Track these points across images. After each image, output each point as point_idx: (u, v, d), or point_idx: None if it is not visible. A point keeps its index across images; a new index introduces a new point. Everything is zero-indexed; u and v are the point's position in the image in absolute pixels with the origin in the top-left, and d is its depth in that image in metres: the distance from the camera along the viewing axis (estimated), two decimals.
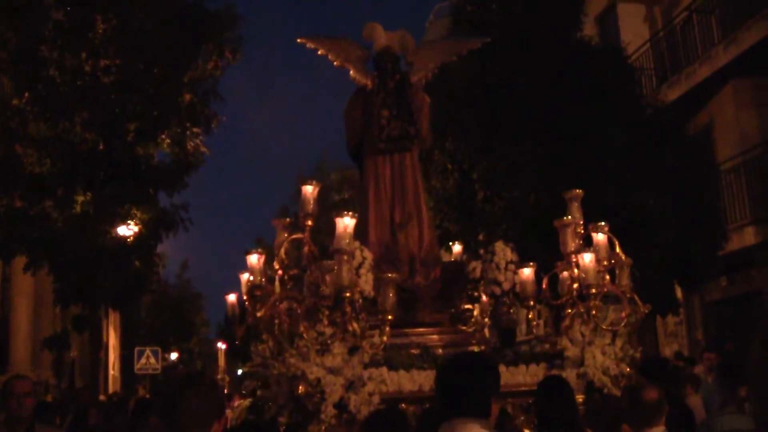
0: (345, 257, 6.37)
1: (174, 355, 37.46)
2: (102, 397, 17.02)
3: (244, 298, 7.79)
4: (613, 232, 7.40)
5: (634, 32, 16.99)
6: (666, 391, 5.90)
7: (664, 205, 12.48)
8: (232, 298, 8.20)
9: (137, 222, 15.34)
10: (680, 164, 12.96)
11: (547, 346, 7.45)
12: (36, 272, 15.10)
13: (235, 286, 8.07)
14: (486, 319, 8.24)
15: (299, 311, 7.06)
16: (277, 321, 7.06)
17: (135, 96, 13.98)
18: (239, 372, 32.28)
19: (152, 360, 22.45)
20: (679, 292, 14.94)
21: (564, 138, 12.44)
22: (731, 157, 15.64)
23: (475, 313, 8.21)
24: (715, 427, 5.03)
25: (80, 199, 14.32)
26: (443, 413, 3.37)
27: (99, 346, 26.43)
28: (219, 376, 27.86)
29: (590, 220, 7.40)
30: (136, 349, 23.45)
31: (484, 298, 7.96)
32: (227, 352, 26.70)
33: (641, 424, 4.75)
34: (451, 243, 10.19)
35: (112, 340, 30.82)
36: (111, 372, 30.46)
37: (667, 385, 6.91)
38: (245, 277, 7.80)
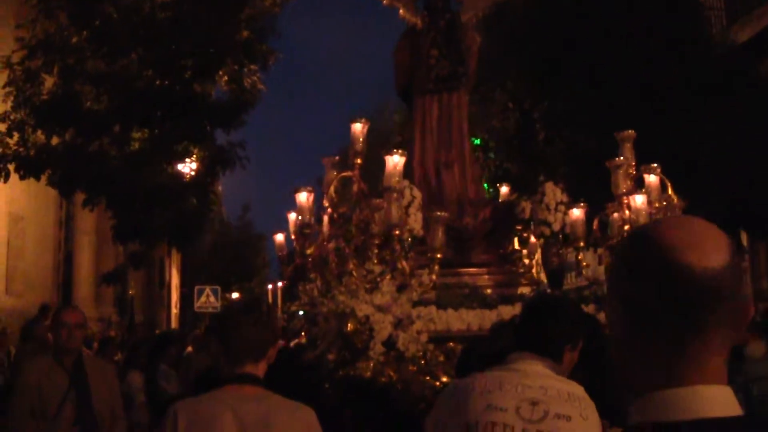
0: (395, 195, 6.40)
1: (235, 295, 38.08)
2: (157, 333, 17.54)
3: (292, 237, 7.89)
4: (671, 175, 7.27)
5: None
6: None
7: (728, 150, 12.11)
8: (279, 237, 8.26)
9: (194, 159, 15.50)
10: (748, 108, 12.53)
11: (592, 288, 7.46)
12: (94, 208, 15.39)
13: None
14: (533, 261, 8.24)
15: (347, 250, 7.14)
16: (326, 259, 7.16)
17: (192, 33, 13.98)
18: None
19: (212, 298, 22.83)
20: (744, 240, 14.58)
21: (626, 80, 12.14)
22: None
23: (524, 253, 8.23)
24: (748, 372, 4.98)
25: (137, 136, 14.47)
26: (513, 346, 3.35)
27: (157, 284, 27.11)
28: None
29: (647, 162, 7.29)
30: (196, 287, 23.85)
31: (533, 239, 7.95)
32: (283, 291, 27.05)
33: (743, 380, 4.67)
34: (498, 184, 10.13)
35: (174, 278, 31.49)
36: (173, 310, 31.22)
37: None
38: (292, 216, 7.88)
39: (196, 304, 23.08)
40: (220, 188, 16.72)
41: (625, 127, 8.34)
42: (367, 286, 6.46)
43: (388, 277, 6.48)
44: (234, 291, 38.60)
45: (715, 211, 11.29)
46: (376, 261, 6.59)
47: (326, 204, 7.03)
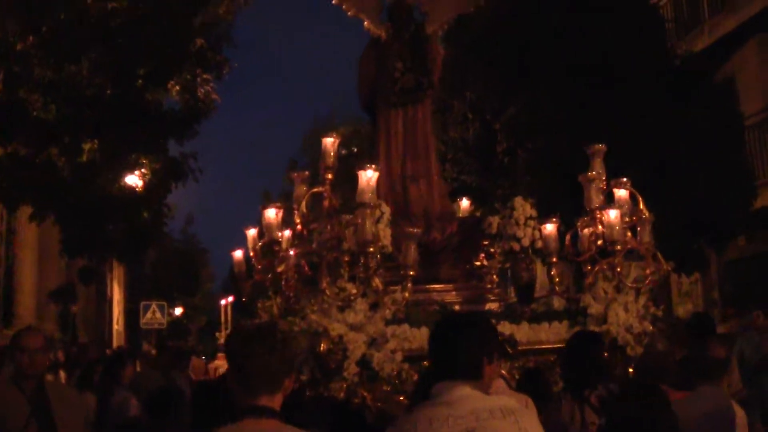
0: (368, 211, 6.26)
1: (179, 310, 37.50)
2: (108, 352, 17.04)
3: (251, 254, 7.73)
4: (637, 183, 7.29)
5: None
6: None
7: (689, 158, 12.25)
8: (238, 254, 8.14)
9: (146, 170, 15.12)
10: (706, 116, 12.66)
11: (560, 302, 7.44)
12: (41, 222, 14.90)
13: (240, 240, 8.03)
14: (495, 276, 8.20)
15: (306, 268, 6.99)
16: (286, 277, 7.00)
17: (144, 40, 13.66)
18: None
19: (158, 315, 22.41)
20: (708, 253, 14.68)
21: (590, 86, 12.19)
22: (753, 113, 15.24)
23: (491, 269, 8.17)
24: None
25: (87, 146, 13.89)
26: (435, 375, 3.30)
27: (104, 300, 26.49)
28: (222, 333, 27.92)
29: (614, 171, 7.30)
30: (142, 303, 23.41)
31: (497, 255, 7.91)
32: (233, 307, 26.72)
33: (700, 380, 4.67)
34: (458, 198, 10.07)
35: (117, 294, 30.81)
36: (115, 326, 30.49)
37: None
38: (252, 232, 7.74)
39: (142, 321, 22.64)
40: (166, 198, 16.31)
41: (589, 137, 8.37)
42: (339, 304, 6.31)
43: (360, 294, 6.34)
44: (177, 306, 38.00)
45: (679, 221, 11.41)
46: (346, 278, 6.45)
47: (297, 220, 6.88)
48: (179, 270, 39.79)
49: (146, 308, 22.60)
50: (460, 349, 3.19)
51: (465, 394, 3.10)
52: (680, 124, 12.26)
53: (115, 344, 26.62)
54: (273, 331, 3.03)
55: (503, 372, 6.09)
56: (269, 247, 6.93)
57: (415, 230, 6.67)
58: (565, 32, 12.39)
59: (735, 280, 16.70)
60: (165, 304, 23.34)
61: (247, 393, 2.87)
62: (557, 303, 7.77)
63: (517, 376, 6.29)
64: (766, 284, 15.28)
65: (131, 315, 28.58)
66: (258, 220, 8.27)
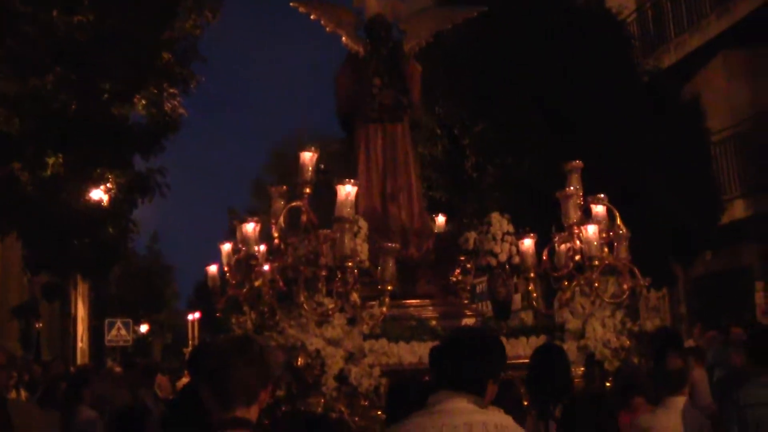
0: (347, 225, 6.21)
1: (144, 327, 37.11)
2: (72, 370, 16.72)
3: (225, 269, 7.65)
4: (609, 201, 7.33)
5: (620, 2, 16.73)
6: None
7: (657, 175, 12.36)
8: (213, 269, 8.06)
9: (111, 185, 14.92)
10: (673, 134, 12.78)
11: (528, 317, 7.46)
12: (4, 237, 14.64)
13: (203, 256, 7.95)
14: (467, 292, 8.21)
15: (281, 283, 6.92)
16: (266, 290, 6.93)
17: (110, 54, 13.50)
18: None
19: (123, 332, 22.13)
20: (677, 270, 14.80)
21: (559, 103, 12.27)
22: (721, 129, 15.44)
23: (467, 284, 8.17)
24: (740, 398, 5.00)
25: (51, 161, 13.66)
26: (435, 385, 3.31)
27: (68, 317, 26.07)
28: (189, 350, 27.59)
29: (585, 188, 7.33)
30: (107, 320, 23.10)
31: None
32: (200, 323, 26.51)
33: (664, 392, 4.71)
34: (434, 214, 10.05)
35: (81, 311, 30.34)
36: (79, 344, 30.01)
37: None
38: (226, 247, 7.67)
39: (107, 338, 22.33)
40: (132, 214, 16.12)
41: (557, 154, 8.41)
42: (317, 319, 6.25)
43: (338, 309, 6.29)
44: (143, 323, 37.59)
45: (648, 237, 11.46)
46: (324, 293, 6.39)
47: (275, 234, 6.81)
48: (144, 287, 39.38)
49: (111, 325, 22.30)
50: (468, 364, 3.20)
51: (462, 406, 3.10)
52: (648, 140, 12.36)
53: (79, 362, 26.18)
54: (250, 343, 3.00)
55: None
56: (246, 261, 6.85)
57: (394, 245, 6.63)
58: (532, 50, 12.46)
59: (701, 296, 16.89)
60: (130, 321, 23.06)
61: (223, 405, 2.82)
62: (526, 317, 7.80)
63: None
64: (731, 299, 15.50)
65: (96, 332, 28.16)
66: (225, 237, 8.19)
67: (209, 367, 2.91)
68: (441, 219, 9.78)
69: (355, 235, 6.94)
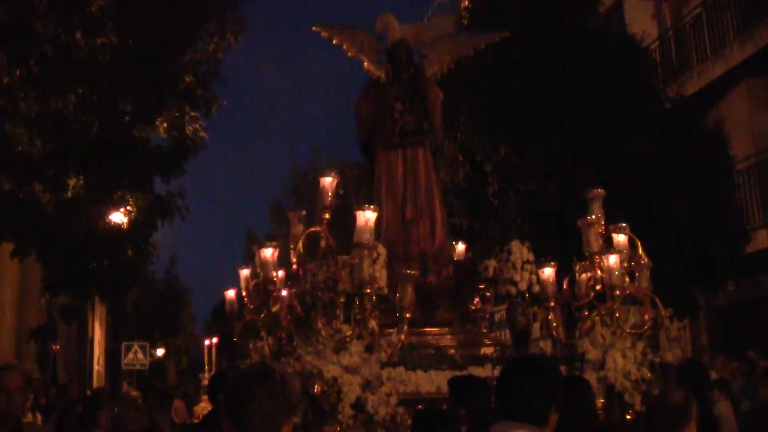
0: (366, 252, 6.16)
1: (160, 351, 37.08)
2: (89, 393, 16.69)
3: (243, 293, 7.60)
4: (631, 229, 7.24)
5: (641, 29, 16.71)
6: (694, 396, 5.75)
7: (681, 203, 12.22)
8: (231, 294, 8.02)
9: (131, 207, 14.95)
10: (697, 162, 12.62)
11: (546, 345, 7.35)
12: (23, 259, 14.66)
13: (221, 280, 7.92)
14: (486, 320, 8.11)
15: (299, 309, 6.87)
16: (284, 316, 6.88)
17: (132, 75, 13.54)
18: None
19: (140, 355, 22.09)
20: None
21: (582, 129, 12.18)
22: (744, 158, 15.27)
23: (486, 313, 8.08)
24: None
25: (72, 182, 13.80)
26: (497, 413, 3.24)
27: (85, 339, 26.07)
28: (205, 375, 27.47)
29: (607, 216, 7.26)
30: (124, 343, 23.07)
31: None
32: (217, 348, 26.40)
33: (668, 429, 4.59)
34: (454, 242, 9.96)
35: (98, 334, 30.35)
36: (96, 367, 29.98)
37: (696, 389, 6.80)
38: (245, 272, 7.63)
39: (124, 361, 22.30)
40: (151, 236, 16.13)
41: (580, 181, 8.34)
42: (334, 345, 6.18)
43: (356, 336, 6.22)
44: (159, 347, 37.58)
45: (671, 266, 11.28)
46: (342, 319, 6.33)
47: (293, 259, 6.77)
48: (161, 310, 39.38)
49: (128, 349, 22.28)
50: (533, 392, 3.15)
51: None
52: (672, 168, 12.23)
53: (95, 384, 26.18)
54: (271, 373, 2.97)
55: None
56: (264, 286, 6.81)
57: (413, 272, 6.57)
58: (555, 76, 12.40)
59: (723, 326, 16.64)
60: (147, 344, 23.03)
61: None
62: (545, 347, 7.70)
63: None
64: (754, 330, 15.25)
65: (112, 355, 28.13)
66: (243, 261, 8.15)
67: (230, 397, 2.84)
68: (461, 246, 9.71)
69: (374, 261, 6.88)
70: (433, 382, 6.45)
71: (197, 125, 15.20)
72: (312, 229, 6.81)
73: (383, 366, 6.26)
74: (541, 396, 3.18)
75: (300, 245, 6.84)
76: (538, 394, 3.17)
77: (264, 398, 2.74)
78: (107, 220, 14.91)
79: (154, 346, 35.20)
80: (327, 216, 6.74)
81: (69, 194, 13.92)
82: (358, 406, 6.02)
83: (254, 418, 2.72)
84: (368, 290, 6.11)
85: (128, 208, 15.24)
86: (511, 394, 3.18)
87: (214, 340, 24.66)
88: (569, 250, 7.41)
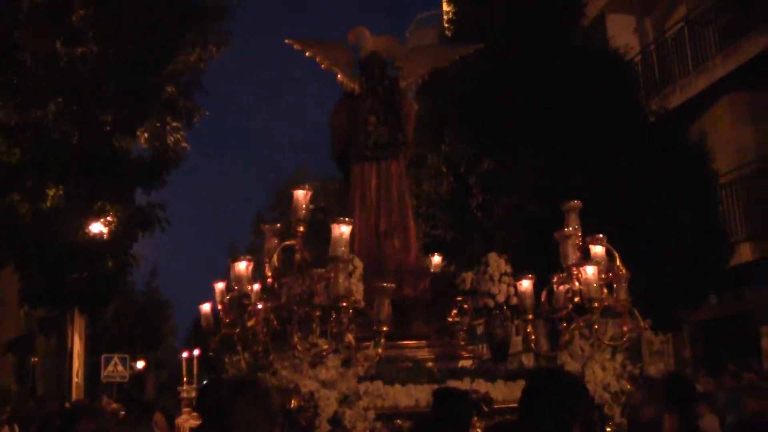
0: (341, 265, 6.11)
1: (140, 364, 36.76)
2: (67, 406, 16.50)
3: (219, 307, 7.54)
4: (611, 241, 7.22)
5: (623, 43, 16.76)
6: (680, 411, 5.73)
7: (663, 216, 12.19)
8: (206, 307, 7.93)
9: (112, 218, 14.82)
10: (680, 175, 12.63)
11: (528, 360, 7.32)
12: (1, 270, 14.50)
13: (205, 294, 7.88)
14: (463, 333, 8.08)
15: (275, 322, 6.81)
16: (254, 331, 6.82)
17: (112, 85, 13.44)
18: (204, 383, 31.75)
19: (120, 368, 21.89)
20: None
21: (566, 143, 12.17)
22: (726, 172, 15.29)
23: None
24: None
25: (51, 192, 13.70)
26: (519, 427, 3.27)
27: (64, 352, 25.83)
28: (183, 388, 27.24)
29: (588, 229, 7.23)
30: (104, 356, 22.85)
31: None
32: (199, 361, 26.24)
33: None
34: (436, 253, 9.93)
35: (77, 346, 30.05)
36: (75, 379, 29.70)
37: (681, 403, 6.78)
38: (220, 286, 7.56)
39: (103, 374, 22.09)
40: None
41: (564, 194, 8.31)
42: (311, 360, 6.12)
43: (332, 350, 6.16)
44: (139, 359, 37.24)
45: (653, 280, 11.26)
46: (318, 333, 6.27)
47: (268, 273, 6.71)
48: (141, 323, 39.05)
49: (108, 361, 22.08)
50: (559, 410, 3.11)
51: None
52: (655, 181, 12.24)
53: (74, 397, 25.91)
54: (255, 383, 2.97)
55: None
56: (238, 300, 6.74)
57: (389, 285, 6.51)
58: (540, 88, 12.41)
59: (706, 340, 16.65)
60: (127, 357, 22.84)
61: None
62: (526, 361, 7.66)
63: None
64: (736, 344, 15.28)
65: (92, 368, 27.88)
66: (224, 274, 8.12)
67: (212, 407, 2.84)
68: (437, 258, 9.68)
69: (350, 274, 6.84)
70: (412, 395, 6.39)
71: (179, 136, 15.11)
72: (287, 243, 6.75)
73: (360, 380, 6.20)
74: (570, 415, 3.15)
75: (275, 259, 6.78)
76: (566, 412, 3.14)
77: (246, 408, 2.74)
78: (87, 231, 14.79)
79: (135, 359, 34.88)
80: (301, 229, 6.68)
81: (48, 204, 13.77)
82: (336, 421, 5.95)
83: (236, 428, 2.69)
84: (344, 304, 6.05)
85: (108, 219, 15.11)
86: (540, 410, 3.15)
87: (195, 352, 24.56)
88: (552, 263, 7.37)
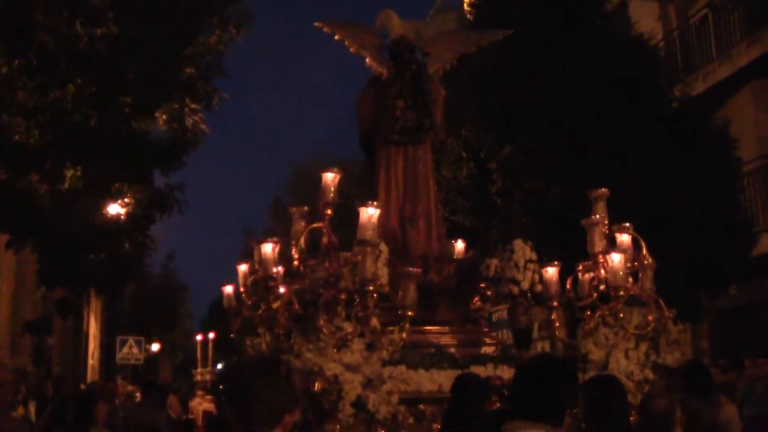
0: (369, 249, 6.08)
1: (155, 347, 36.97)
2: (83, 387, 16.60)
3: (241, 290, 7.53)
4: (634, 229, 7.16)
5: (646, 29, 16.56)
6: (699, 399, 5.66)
7: (687, 203, 12.05)
8: (229, 289, 7.94)
9: (129, 200, 14.82)
10: (703, 163, 12.49)
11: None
12: (19, 251, 14.52)
13: (222, 277, 7.86)
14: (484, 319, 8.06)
15: (296, 306, 6.79)
16: (282, 312, 6.80)
17: (132, 67, 13.39)
18: (218, 366, 31.96)
19: (135, 350, 21.97)
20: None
21: (588, 129, 12.06)
22: (748, 161, 15.12)
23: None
24: None
25: (70, 174, 13.62)
26: (510, 412, 3.19)
27: (81, 333, 25.97)
28: (198, 371, 27.40)
29: (611, 216, 7.18)
30: (119, 338, 22.93)
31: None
32: (214, 344, 26.35)
33: None
34: (456, 239, 9.87)
35: (93, 328, 30.20)
36: (90, 361, 29.87)
37: (700, 392, 6.74)
38: (243, 268, 7.56)
39: (118, 356, 22.17)
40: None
41: (590, 180, 8.24)
42: (335, 343, 6.10)
43: (358, 334, 6.14)
44: (155, 342, 37.43)
45: (675, 268, 11.14)
46: (343, 317, 6.26)
47: (295, 256, 6.69)
48: (158, 305, 39.22)
49: (123, 343, 22.13)
50: (555, 394, 3.09)
51: None
52: (679, 169, 12.13)
53: (89, 379, 26.07)
54: (276, 363, 2.92)
55: None
56: (264, 282, 6.73)
57: (415, 270, 6.49)
58: (561, 75, 12.30)
59: (724, 330, 16.52)
60: (143, 339, 22.91)
61: (245, 426, 2.74)
62: (544, 347, 7.64)
63: None
64: (755, 334, 15.15)
65: (107, 349, 28.00)
66: (239, 257, 8.10)
67: (232, 386, 2.83)
68: (460, 245, 9.63)
69: (376, 259, 6.81)
70: (435, 381, 6.41)
71: (197, 118, 15.05)
72: (314, 225, 6.72)
73: (384, 364, 6.20)
74: (558, 396, 3.12)
75: (302, 241, 6.76)
76: (555, 393, 3.11)
77: (265, 389, 2.72)
78: (105, 213, 14.80)
79: (150, 342, 35.05)
80: (329, 212, 6.67)
81: (66, 186, 13.76)
82: (359, 404, 5.96)
83: (255, 408, 2.70)
84: (371, 288, 6.03)
85: (126, 200, 15.12)
86: (529, 393, 3.13)
87: (210, 335, 24.69)
88: (573, 250, 7.32)
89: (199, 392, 18.08)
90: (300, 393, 5.94)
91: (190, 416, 15.98)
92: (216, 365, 26.83)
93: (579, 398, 3.25)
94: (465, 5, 16.19)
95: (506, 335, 9.17)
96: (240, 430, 2.75)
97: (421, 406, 6.24)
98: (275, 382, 2.76)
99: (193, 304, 49.15)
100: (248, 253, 8.46)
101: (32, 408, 11.98)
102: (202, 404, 16.40)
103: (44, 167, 13.52)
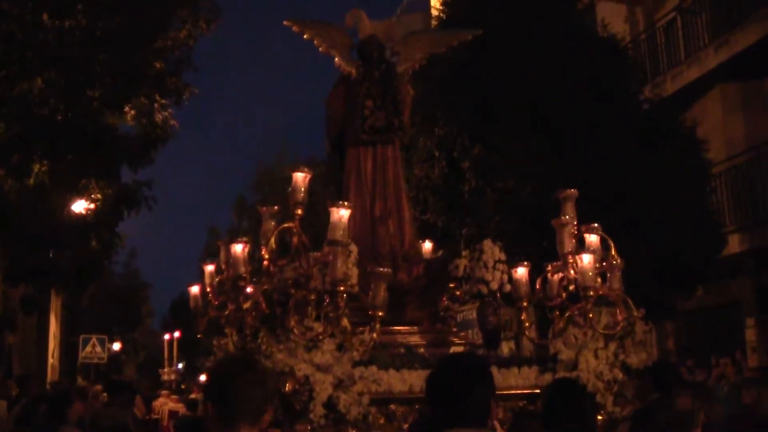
0: (340, 249, 6.07)
1: (116, 346, 36.60)
2: (48, 388, 16.37)
3: (208, 290, 7.49)
4: (604, 229, 7.22)
5: (614, 31, 16.62)
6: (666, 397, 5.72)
7: (656, 205, 12.11)
8: (195, 289, 7.88)
9: (96, 196, 14.63)
10: (673, 164, 12.60)
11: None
12: None
13: (180, 276, 7.79)
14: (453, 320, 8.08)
15: (263, 305, 6.77)
16: (250, 313, 6.77)
17: (101, 60, 13.21)
18: (179, 366, 31.72)
19: (98, 349, 21.67)
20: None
21: (561, 128, 12.10)
22: (717, 162, 15.33)
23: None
24: None
25: (36, 168, 13.43)
26: (439, 420, 3.02)
27: (44, 332, 25.57)
28: (165, 371, 27.17)
29: (581, 217, 7.23)
30: (82, 336, 22.58)
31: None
32: (179, 343, 26.15)
33: None
34: (426, 238, 9.88)
35: (53, 327, 29.73)
36: (50, 360, 29.38)
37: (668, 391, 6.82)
38: (209, 268, 7.52)
39: (81, 355, 21.88)
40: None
41: (557, 181, 8.29)
42: (306, 344, 6.09)
43: (328, 334, 6.13)
44: (116, 341, 37.02)
45: (645, 269, 11.22)
46: (313, 318, 6.24)
47: (265, 256, 6.66)
48: (119, 304, 38.79)
49: (86, 342, 21.85)
50: (474, 395, 3.00)
51: None
52: (647, 170, 12.24)
53: (49, 378, 25.65)
54: (254, 362, 3.04)
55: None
56: (233, 282, 6.69)
57: (386, 270, 6.48)
58: (534, 73, 12.36)
59: (690, 330, 16.73)
60: (105, 338, 22.64)
61: (227, 424, 2.76)
62: (508, 348, 7.67)
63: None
64: (721, 335, 15.39)
65: (68, 349, 27.60)
66: (203, 256, 8.01)
67: (214, 385, 2.84)
68: (428, 245, 9.64)
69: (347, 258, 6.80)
70: (406, 381, 6.39)
71: (167, 113, 14.90)
72: (285, 225, 6.70)
73: (355, 365, 6.19)
74: (486, 397, 3.04)
75: (272, 241, 6.73)
76: (483, 395, 3.02)
77: (247, 385, 2.75)
78: (72, 209, 14.60)
79: (111, 340, 34.68)
80: (299, 212, 6.64)
81: (32, 181, 13.54)
82: (330, 405, 5.93)
83: (237, 405, 2.73)
84: (341, 288, 6.02)
85: (93, 196, 14.92)
86: (455, 398, 2.99)
87: (176, 334, 24.54)
88: (546, 250, 7.36)
89: (164, 392, 17.94)
90: (273, 393, 5.94)
91: (155, 416, 15.86)
92: (178, 365, 26.68)
93: (494, 388, 3.16)
94: (437, 3, 16.14)
95: (475, 335, 9.18)
96: (220, 427, 2.76)
97: (393, 407, 6.22)
98: (256, 380, 2.79)
99: (154, 302, 48.72)
100: (212, 253, 8.40)
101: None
102: (167, 404, 16.29)
103: (11, 161, 13.30)
